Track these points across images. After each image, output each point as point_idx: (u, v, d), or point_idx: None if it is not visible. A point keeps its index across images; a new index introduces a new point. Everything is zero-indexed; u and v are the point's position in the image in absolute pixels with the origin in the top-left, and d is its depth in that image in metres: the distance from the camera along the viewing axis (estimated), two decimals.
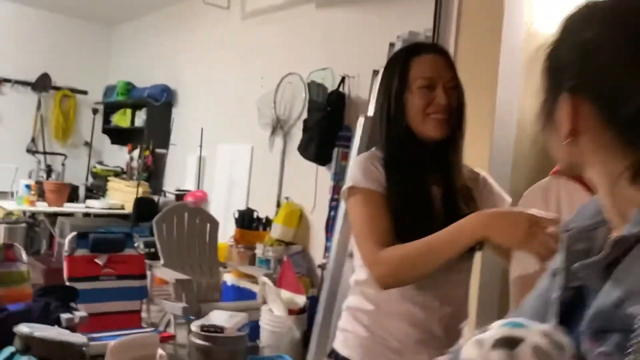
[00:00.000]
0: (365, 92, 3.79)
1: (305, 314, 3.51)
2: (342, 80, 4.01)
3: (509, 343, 0.74)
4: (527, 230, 1.18)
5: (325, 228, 3.93)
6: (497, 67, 2.35)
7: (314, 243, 4.23)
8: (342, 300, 2.76)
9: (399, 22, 3.68)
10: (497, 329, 0.77)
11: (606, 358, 0.69)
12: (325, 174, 4.12)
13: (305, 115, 4.13)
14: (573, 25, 0.75)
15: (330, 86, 4.03)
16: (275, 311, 3.45)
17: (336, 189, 3.89)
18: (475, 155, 1.93)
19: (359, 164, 1.57)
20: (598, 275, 0.74)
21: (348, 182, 1.56)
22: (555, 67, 0.76)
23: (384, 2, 3.86)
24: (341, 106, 3.96)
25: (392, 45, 3.60)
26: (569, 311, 0.81)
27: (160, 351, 2.34)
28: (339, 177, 3.89)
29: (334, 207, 3.88)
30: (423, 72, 1.51)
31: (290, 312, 3.45)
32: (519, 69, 2.40)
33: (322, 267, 3.66)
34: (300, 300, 3.50)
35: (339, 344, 1.59)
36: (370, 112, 3.37)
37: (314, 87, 4.01)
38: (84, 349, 1.85)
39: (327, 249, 3.81)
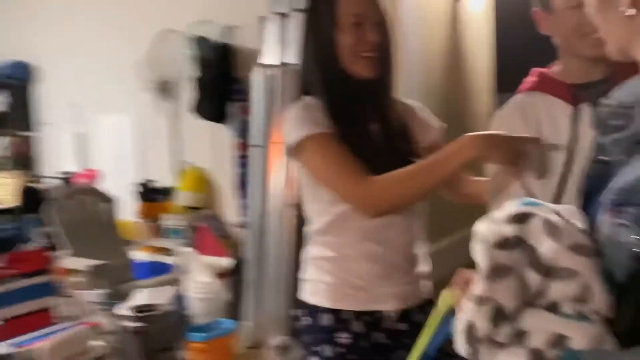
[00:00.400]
0: (253, 41, 3.66)
1: (233, 276, 3.46)
2: (227, 31, 3.83)
3: (521, 218, 0.79)
4: (514, 150, 1.22)
5: (236, 186, 3.83)
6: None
7: (223, 204, 4.12)
8: (273, 253, 2.74)
9: None
10: (512, 207, 0.81)
11: (622, 229, 0.75)
12: (223, 132, 3.98)
13: (192, 74, 3.92)
14: None
15: (215, 39, 3.84)
16: (200, 278, 3.35)
17: (242, 145, 3.78)
18: None
19: (299, 115, 1.53)
20: (627, 150, 0.78)
21: (293, 135, 1.51)
22: None
23: None
24: (230, 59, 3.80)
25: None
26: (593, 183, 0.85)
27: (93, 342, 2.19)
28: (242, 132, 3.77)
29: (242, 163, 3.77)
30: (352, 9, 1.48)
31: (218, 276, 3.37)
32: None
33: (242, 225, 3.59)
34: (226, 262, 3.43)
35: (308, 294, 1.60)
36: (267, 60, 3.28)
37: (201, 43, 3.80)
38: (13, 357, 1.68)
39: (244, 207, 3.73)
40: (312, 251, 1.62)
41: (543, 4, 1.35)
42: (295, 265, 3.08)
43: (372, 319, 1.53)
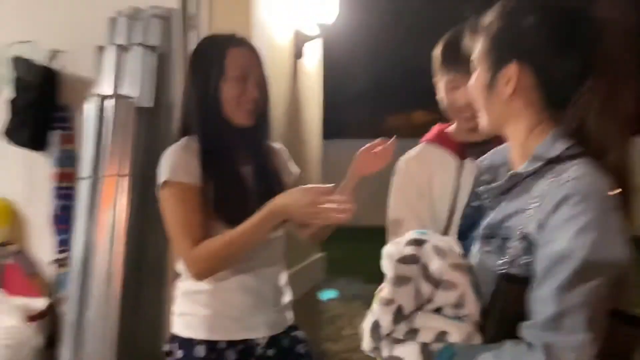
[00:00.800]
0: (85, 68, 3.51)
1: (47, 317, 3.17)
2: (53, 55, 3.61)
3: (418, 242, 1.02)
4: (315, 206, 1.42)
5: (54, 220, 3.54)
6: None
7: (33, 239, 3.77)
8: (99, 292, 2.63)
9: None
10: (409, 234, 1.04)
11: (489, 255, 1.02)
12: (39, 160, 3.68)
13: (5, 95, 3.59)
14: (515, 9, 1.01)
15: (38, 62, 3.59)
16: (8, 322, 3.01)
17: (63, 176, 3.53)
18: None
19: (173, 157, 1.60)
20: (494, 198, 1.05)
21: (162, 175, 1.58)
22: (504, 42, 1.02)
23: None
24: (54, 85, 3.58)
25: (113, 20, 3.42)
26: (468, 222, 1.12)
27: None
28: (63, 162, 3.54)
29: (63, 195, 3.52)
30: (238, 64, 1.62)
31: (30, 319, 3.07)
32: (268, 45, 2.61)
33: (61, 262, 3.32)
34: (39, 303, 3.14)
35: (180, 328, 1.62)
36: (102, 90, 3.19)
37: (20, 64, 3.51)
38: None
39: (62, 242, 3.46)
40: (186, 286, 1.65)
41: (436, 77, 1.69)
42: (123, 305, 2.97)
43: (244, 346, 1.60)
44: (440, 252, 1.02)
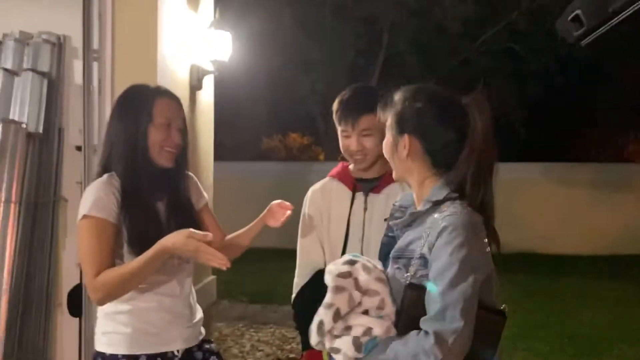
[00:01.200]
0: None
1: None
2: None
3: (351, 262, 1.40)
4: (197, 252, 1.65)
5: None
6: (154, 80, 2.64)
7: None
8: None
9: (3, 20, 3.42)
10: (347, 256, 1.34)
11: (399, 271, 1.34)
12: None
13: None
14: (410, 97, 1.34)
15: None
16: None
17: None
18: None
19: (93, 193, 1.73)
20: (402, 229, 1.38)
21: (82, 209, 1.71)
22: (402, 119, 1.36)
23: None
24: None
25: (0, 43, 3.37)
26: (386, 248, 1.44)
27: None
28: None
29: None
30: (164, 112, 1.80)
31: None
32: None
33: None
34: None
35: (103, 346, 1.74)
36: None
37: None
38: None
39: None
40: (107, 307, 1.76)
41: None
42: (9, 333, 2.91)
43: (162, 359, 1.75)
44: (367, 269, 1.39)
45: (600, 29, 1.89)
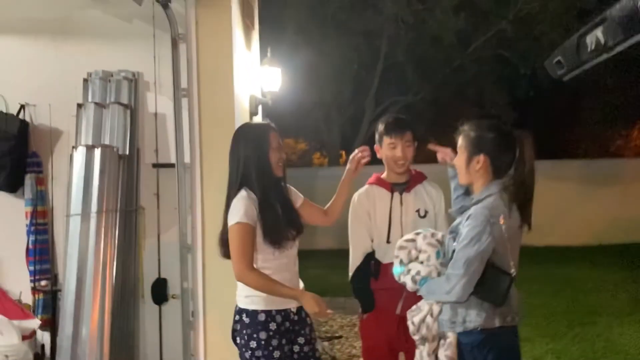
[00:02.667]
0: (60, 121, 4.09)
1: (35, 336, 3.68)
2: (21, 108, 4.13)
3: (416, 233, 2.30)
4: (318, 314, 2.38)
5: (27, 253, 4.02)
6: (232, 111, 3.35)
7: (1, 271, 4.19)
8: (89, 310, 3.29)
9: (88, 60, 4.12)
10: (417, 230, 2.11)
11: (451, 241, 2.10)
12: (6, 199, 4.14)
13: None
14: (485, 128, 2.08)
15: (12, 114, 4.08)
16: (8, 341, 3.48)
17: (35, 213, 4.04)
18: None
19: (242, 205, 2.42)
20: (459, 216, 2.12)
21: (234, 217, 2.39)
22: (479, 143, 2.08)
23: (69, 37, 4.17)
24: (26, 134, 4.09)
25: (86, 80, 4.06)
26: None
27: None
28: (36, 201, 4.04)
29: (34, 231, 4.01)
30: (275, 142, 2.49)
31: (24, 337, 3.57)
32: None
33: (38, 290, 3.85)
34: (34, 324, 3.64)
35: (246, 304, 2.44)
36: (83, 141, 3.81)
37: None
38: None
39: (36, 272, 3.96)
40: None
41: (379, 142, 2.68)
42: (113, 319, 3.60)
43: (284, 313, 2.45)
44: (425, 237, 2.26)
45: (575, 71, 2.62)
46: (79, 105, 3.95)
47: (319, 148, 15.08)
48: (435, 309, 2.15)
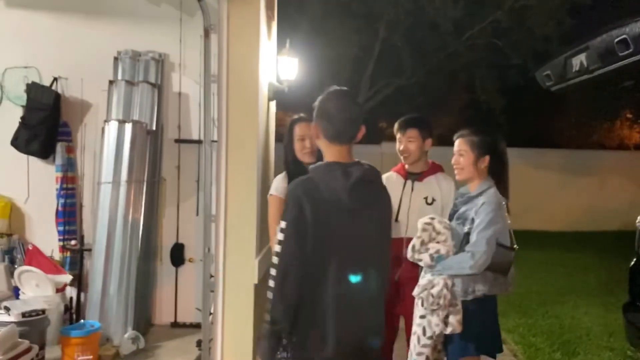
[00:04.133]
0: (90, 94, 4.43)
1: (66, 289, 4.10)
2: (54, 80, 4.45)
3: (432, 218, 2.72)
4: None
5: (57, 215, 4.40)
6: (257, 97, 3.72)
7: (31, 230, 4.57)
8: (118, 266, 3.72)
9: (118, 39, 4.45)
10: (430, 215, 2.61)
11: (459, 226, 2.59)
12: (38, 165, 4.50)
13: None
14: (489, 135, 2.49)
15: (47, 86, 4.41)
16: (44, 292, 3.89)
17: (65, 179, 4.41)
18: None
19: (276, 181, 2.85)
20: (462, 204, 2.58)
21: (270, 190, 2.83)
22: (485, 147, 2.54)
23: (100, 16, 4.49)
24: (59, 105, 4.43)
25: (116, 59, 4.41)
26: (452, 213, 2.64)
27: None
28: (66, 167, 4.41)
29: (64, 195, 4.39)
30: (301, 132, 2.89)
31: (57, 290, 3.97)
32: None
33: (66, 248, 4.27)
34: (66, 278, 4.04)
35: None
36: (114, 116, 4.17)
37: (34, 87, 4.31)
38: None
39: (64, 232, 4.35)
40: None
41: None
42: (136, 278, 4.01)
43: None
44: (440, 222, 2.67)
45: (561, 85, 3.06)
46: (111, 82, 4.29)
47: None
48: (449, 282, 2.56)
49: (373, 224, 1.96)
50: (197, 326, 4.07)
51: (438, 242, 2.61)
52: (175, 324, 4.43)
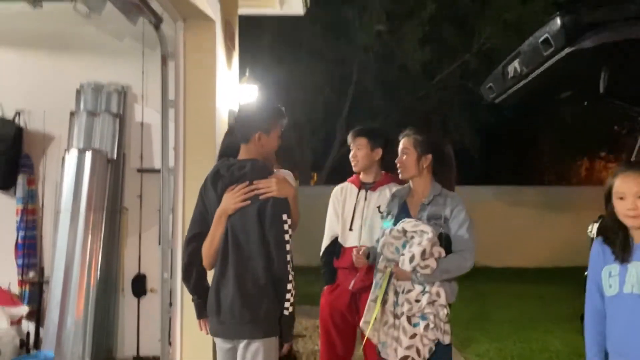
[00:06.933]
0: (53, 126, 4.46)
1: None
2: (17, 114, 4.49)
3: (404, 227, 2.53)
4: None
5: (15, 247, 4.34)
6: (214, 122, 3.77)
7: None
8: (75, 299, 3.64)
9: (81, 72, 4.52)
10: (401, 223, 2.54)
11: (434, 226, 2.51)
12: (1, 198, 4.47)
13: None
14: (432, 135, 2.55)
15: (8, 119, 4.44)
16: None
17: (25, 211, 4.37)
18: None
19: None
20: (424, 207, 2.58)
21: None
22: (425, 144, 2.57)
23: (64, 50, 4.57)
24: (20, 137, 4.44)
25: (79, 91, 4.46)
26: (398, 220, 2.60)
27: None
28: (27, 199, 4.38)
29: (24, 227, 4.34)
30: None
31: (13, 323, 3.88)
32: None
33: (31, 282, 4.17)
34: (22, 310, 3.95)
35: None
36: (75, 146, 4.19)
37: None
38: None
39: (24, 266, 4.28)
40: None
41: None
42: (95, 310, 3.93)
43: None
44: (409, 222, 2.52)
45: (503, 95, 3.16)
46: (72, 113, 4.33)
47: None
48: (440, 290, 2.45)
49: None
50: None
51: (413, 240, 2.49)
52: (137, 358, 4.32)
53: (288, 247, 2.29)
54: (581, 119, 13.59)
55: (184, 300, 3.91)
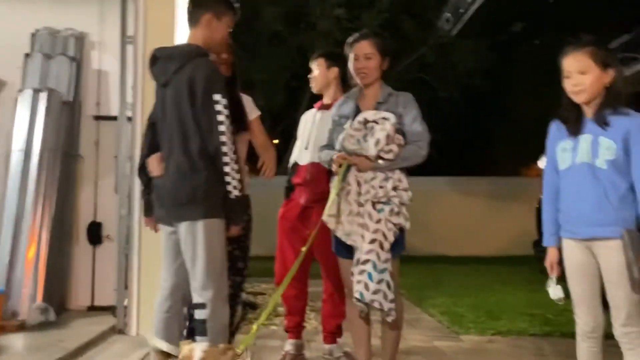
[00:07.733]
0: (6, 72, 4.30)
1: None
2: None
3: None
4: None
5: None
6: None
7: None
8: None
9: (36, 17, 4.40)
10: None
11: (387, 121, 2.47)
12: None
13: None
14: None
15: None
16: None
17: None
18: None
19: None
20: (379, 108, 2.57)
21: None
22: (388, 48, 2.61)
23: None
24: None
25: (33, 35, 4.35)
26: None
27: None
28: None
29: None
30: None
31: None
32: None
33: None
34: None
35: None
36: (30, 86, 4.08)
37: None
38: None
39: None
40: None
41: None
42: (48, 256, 3.81)
43: None
44: (374, 113, 2.54)
45: (459, 24, 3.26)
46: (27, 55, 4.21)
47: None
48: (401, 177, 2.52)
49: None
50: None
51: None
52: (92, 307, 4.21)
53: (222, 127, 2.22)
54: (536, 115, 14.13)
55: (142, 248, 3.80)
